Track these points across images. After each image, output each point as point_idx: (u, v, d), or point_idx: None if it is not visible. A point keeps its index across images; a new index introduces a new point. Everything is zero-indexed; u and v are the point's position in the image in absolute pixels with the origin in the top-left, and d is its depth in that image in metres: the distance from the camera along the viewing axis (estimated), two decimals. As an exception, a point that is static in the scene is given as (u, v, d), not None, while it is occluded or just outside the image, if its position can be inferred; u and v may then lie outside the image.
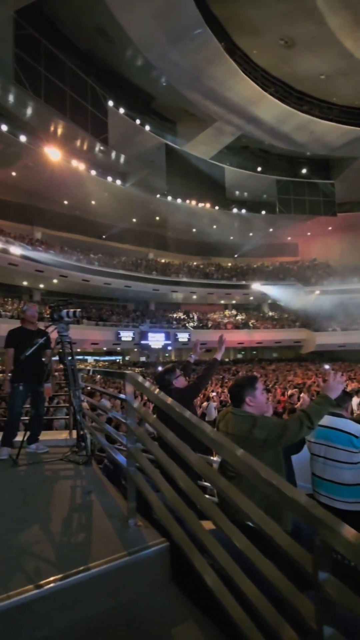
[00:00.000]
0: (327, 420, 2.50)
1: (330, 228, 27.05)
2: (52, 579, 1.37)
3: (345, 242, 28.12)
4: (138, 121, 16.70)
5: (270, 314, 28.55)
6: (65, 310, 3.02)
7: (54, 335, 3.08)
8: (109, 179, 19.78)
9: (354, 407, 9.80)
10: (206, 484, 3.06)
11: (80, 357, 24.05)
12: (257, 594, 1.02)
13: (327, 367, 20.03)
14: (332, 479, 2.32)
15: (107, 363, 24.15)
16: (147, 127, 17.14)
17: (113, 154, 18.45)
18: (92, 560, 1.48)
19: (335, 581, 0.79)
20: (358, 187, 23.14)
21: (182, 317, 26.24)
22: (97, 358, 25.23)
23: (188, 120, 18.30)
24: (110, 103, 15.28)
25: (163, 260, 27.63)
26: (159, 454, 1.56)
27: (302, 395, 9.98)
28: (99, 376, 11.89)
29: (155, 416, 1.91)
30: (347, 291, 25.35)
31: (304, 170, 22.18)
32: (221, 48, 13.53)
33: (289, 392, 8.78)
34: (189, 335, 23.73)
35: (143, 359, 25.03)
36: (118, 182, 20.36)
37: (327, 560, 0.79)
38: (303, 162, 22.08)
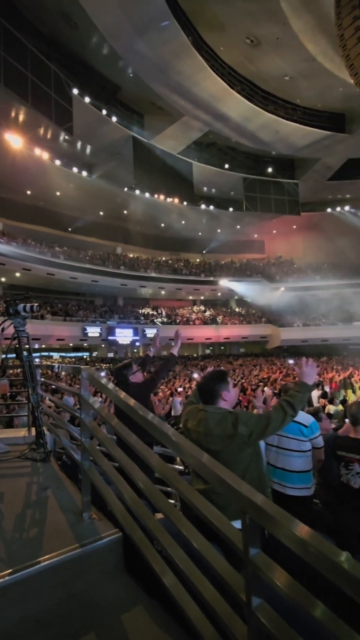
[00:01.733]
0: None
1: (294, 227, 28.02)
2: (0, 574, 1.37)
3: (308, 241, 29.28)
4: (104, 111, 16.31)
5: (238, 310, 29.18)
6: (22, 305, 2.92)
7: (10, 330, 2.97)
8: (75, 169, 19.21)
9: (314, 399, 10.30)
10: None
11: (46, 353, 23.35)
12: (200, 576, 1.07)
13: (290, 361, 20.86)
14: (284, 467, 2.45)
15: (73, 359, 23.61)
16: (114, 119, 16.79)
17: (78, 144, 17.92)
18: (43, 554, 1.49)
19: (264, 557, 0.86)
20: (320, 188, 24.11)
21: (150, 312, 26.17)
22: (63, 354, 24.61)
23: (156, 113, 18.14)
24: (75, 91, 14.80)
25: (131, 255, 27.35)
26: (112, 449, 1.58)
27: (265, 389, 10.34)
28: (63, 373, 11.61)
29: (116, 418, 1.91)
30: (309, 288, 26.50)
31: (269, 169, 22.74)
32: (188, 42, 13.48)
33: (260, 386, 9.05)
34: (158, 330, 23.70)
35: (111, 354, 24.75)
36: (84, 173, 19.83)
37: (256, 537, 0.86)
38: (268, 161, 22.64)
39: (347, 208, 25.98)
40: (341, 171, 22.58)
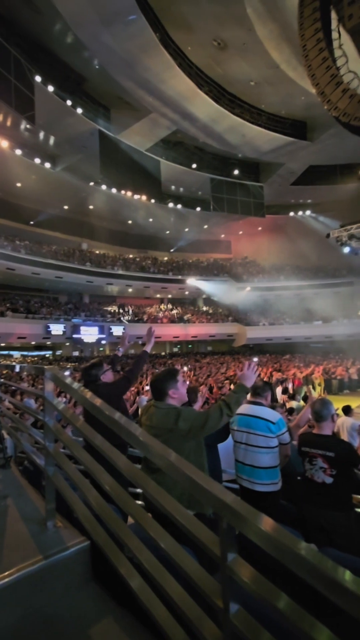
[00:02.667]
0: (248, 409, 2.66)
1: (259, 228, 28.80)
2: None
3: (273, 243, 30.23)
4: (69, 102, 15.76)
5: (205, 308, 29.51)
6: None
7: None
8: (37, 160, 18.40)
9: (278, 396, 10.65)
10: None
11: (5, 352, 22.26)
12: (172, 581, 1.04)
13: (255, 359, 21.46)
14: (252, 464, 2.49)
15: (36, 358, 22.68)
16: (79, 110, 16.28)
17: (41, 135, 17.19)
18: (1, 570, 1.38)
19: (241, 561, 0.84)
20: (284, 191, 24.95)
21: (117, 310, 25.77)
22: (25, 353, 23.56)
23: (123, 108, 17.83)
24: (38, 79, 14.15)
25: (98, 252, 26.75)
26: (77, 453, 1.51)
27: (231, 386, 10.52)
28: (25, 373, 11.09)
29: (82, 419, 1.85)
30: (273, 288, 27.42)
31: (236, 171, 23.17)
32: (156, 39, 13.36)
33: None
34: (124, 329, 23.44)
35: (76, 353, 24.08)
36: (47, 165, 19.05)
37: (233, 541, 0.84)
38: (235, 164, 23.06)
39: (308, 212, 27.12)
40: (303, 177, 23.52)
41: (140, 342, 19.13)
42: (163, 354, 26.41)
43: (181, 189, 24.10)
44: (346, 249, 14.34)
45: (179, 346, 29.61)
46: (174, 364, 20.23)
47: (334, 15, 8.36)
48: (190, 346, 29.65)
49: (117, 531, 1.28)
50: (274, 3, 12.44)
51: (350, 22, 6.68)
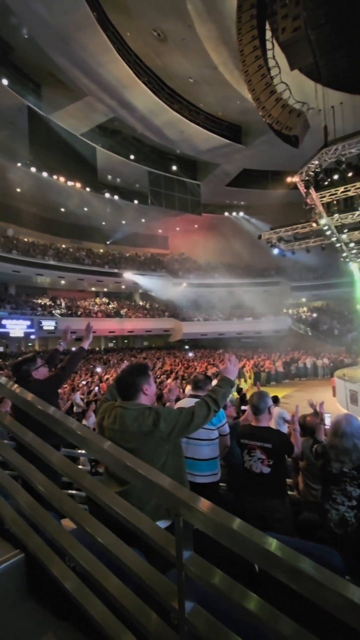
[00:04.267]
0: (189, 402, 2.69)
1: (196, 226, 29.43)
2: None
3: (208, 241, 31.16)
4: (-7, 72, 14.24)
5: (142, 303, 29.32)
6: None
7: None
8: None
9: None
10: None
11: None
12: (121, 587, 0.98)
13: (190, 354, 22.02)
14: (193, 456, 2.52)
15: None
16: (4, 81, 14.78)
17: None
18: None
19: (197, 558, 0.82)
20: (219, 192, 25.81)
21: (48, 303, 24.25)
22: None
23: (55, 86, 16.67)
24: None
25: (26, 239, 24.79)
26: (5, 454, 1.36)
27: (168, 381, 10.64)
28: None
29: (9, 416, 1.66)
30: (208, 285, 28.35)
31: (174, 167, 23.30)
32: (93, 17, 12.69)
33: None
34: (56, 323, 22.18)
35: (1, 349, 22.12)
36: (-34, 139, 17.03)
37: (189, 539, 0.82)
38: (173, 159, 23.16)
39: (241, 214, 28.50)
40: (237, 179, 24.60)
41: (74, 338, 18.27)
42: (98, 349, 25.62)
43: (118, 180, 23.46)
44: (275, 251, 15.38)
45: (114, 341, 29.02)
46: (109, 359, 19.77)
47: (268, 27, 8.81)
48: (126, 341, 29.26)
49: (56, 538, 1.18)
50: (213, 4, 12.66)
51: (283, 35, 7.09)
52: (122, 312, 26.18)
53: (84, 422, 5.69)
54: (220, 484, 2.79)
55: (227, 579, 0.79)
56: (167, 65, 16.46)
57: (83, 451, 3.12)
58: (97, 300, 27.63)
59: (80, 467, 3.73)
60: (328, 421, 3.15)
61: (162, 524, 1.38)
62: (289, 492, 2.77)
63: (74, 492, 3.26)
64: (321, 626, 0.92)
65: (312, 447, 2.43)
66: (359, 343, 22.66)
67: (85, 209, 24.07)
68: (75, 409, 6.87)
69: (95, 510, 1.64)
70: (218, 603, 0.90)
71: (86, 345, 2.76)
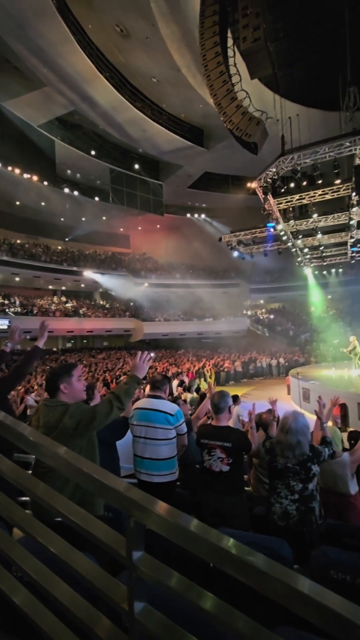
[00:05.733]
0: (147, 402, 2.68)
1: (158, 226, 29.40)
2: None
3: (170, 241, 31.27)
4: None
5: (102, 302, 28.71)
6: None
7: None
8: None
9: (173, 388, 11.09)
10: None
11: None
12: (71, 594, 0.95)
13: (152, 354, 21.94)
14: (151, 457, 2.51)
15: None
16: None
17: None
18: None
19: (148, 557, 0.82)
20: (182, 193, 26.02)
21: (0, 301, 22.92)
22: None
23: (11, 73, 15.80)
24: None
25: (-24, 233, 23.26)
26: None
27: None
28: None
29: None
30: (169, 285, 28.43)
31: (136, 166, 23.09)
32: (52, 5, 12.23)
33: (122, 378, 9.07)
34: (9, 322, 21.03)
35: None
36: None
37: (140, 539, 0.81)
38: (136, 158, 22.96)
39: (203, 216, 28.95)
40: (199, 181, 24.95)
41: (29, 337, 17.47)
42: (55, 349, 24.68)
43: (78, 175, 22.79)
44: (235, 253, 15.82)
45: (72, 341, 28.14)
46: (67, 360, 19.14)
47: (230, 35, 9.04)
48: (85, 341, 28.49)
49: (3, 549, 1.12)
50: (177, 5, 12.73)
51: (244, 44, 7.31)
52: (81, 311, 25.44)
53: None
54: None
55: (179, 578, 0.79)
56: (130, 62, 16.28)
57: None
58: (55, 298, 26.61)
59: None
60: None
61: None
62: (245, 488, 2.86)
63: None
64: (271, 616, 0.96)
65: (264, 443, 2.52)
66: (312, 343, 23.98)
67: (43, 203, 23.09)
68: (29, 411, 6.57)
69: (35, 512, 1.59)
70: (173, 602, 0.91)
71: (41, 344, 2.65)
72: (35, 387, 9.85)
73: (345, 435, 4.08)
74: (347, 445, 3.93)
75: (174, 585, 0.78)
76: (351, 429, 5.59)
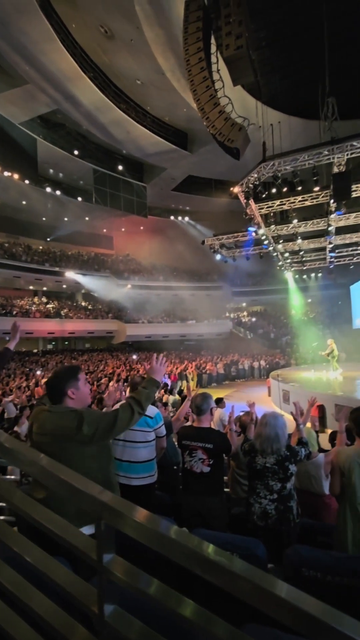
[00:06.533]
0: (127, 404, 2.68)
1: (142, 228, 29.34)
2: None
3: (154, 243, 31.25)
4: None
5: (84, 304, 28.37)
6: None
7: None
8: None
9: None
10: None
11: None
12: (41, 599, 0.95)
13: (134, 356, 21.82)
14: (130, 459, 2.51)
15: None
16: None
17: None
18: None
19: (119, 560, 0.82)
20: (165, 195, 26.07)
21: (-22, 302, 22.30)
22: None
23: (-8, 69, 15.49)
24: None
25: None
26: None
27: (110, 383, 10.42)
28: None
29: None
30: (153, 287, 28.40)
31: (120, 167, 22.99)
32: (35, 3, 12.07)
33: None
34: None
35: None
36: None
37: (111, 541, 0.81)
38: (119, 159, 22.86)
39: (187, 219, 29.10)
40: (183, 184, 25.08)
41: (7, 338, 17.02)
42: (35, 351, 24.19)
43: (61, 175, 22.48)
44: (218, 256, 15.96)
45: (53, 343, 27.64)
46: (48, 362, 18.79)
47: (213, 41, 9.15)
48: (66, 343, 28.04)
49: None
50: (162, 10, 12.81)
51: (227, 51, 7.40)
52: (63, 312, 25.05)
53: (16, 428, 5.34)
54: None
55: (150, 579, 0.80)
56: (114, 63, 16.24)
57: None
58: (36, 299, 26.10)
59: (9, 477, 3.50)
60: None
61: (89, 529, 1.36)
62: (225, 490, 2.90)
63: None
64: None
65: (242, 445, 2.57)
66: (292, 346, 24.45)
67: (24, 202, 22.65)
68: (6, 414, 6.41)
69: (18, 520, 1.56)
70: (147, 603, 0.91)
71: (12, 346, 2.57)
72: (14, 390, 9.61)
73: (323, 436, 4.19)
74: (325, 445, 4.04)
75: (144, 586, 0.79)
76: (329, 430, 5.74)
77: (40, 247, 27.11)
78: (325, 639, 0.63)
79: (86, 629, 0.88)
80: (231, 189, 12.11)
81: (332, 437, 4.11)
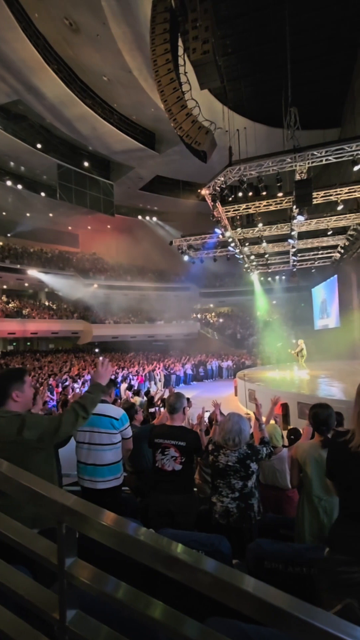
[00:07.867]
0: (94, 406, 2.63)
1: (109, 226, 28.87)
2: None
3: (121, 243, 30.87)
4: None
5: (48, 303, 27.41)
6: None
7: None
8: None
9: (122, 391, 10.92)
10: None
11: None
12: (6, 614, 0.91)
13: (101, 358, 21.43)
14: (95, 462, 2.47)
15: None
16: None
17: None
18: None
19: (81, 563, 0.81)
20: (133, 195, 25.83)
21: None
22: None
23: None
24: None
25: None
26: None
27: (75, 385, 10.17)
28: None
29: None
30: (120, 287, 28.04)
31: (86, 163, 22.45)
32: (-4, -12, 11.53)
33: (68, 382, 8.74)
34: None
35: None
36: None
37: (72, 545, 0.80)
38: (85, 155, 22.33)
39: (155, 219, 29.01)
40: (151, 184, 24.97)
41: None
42: (-5, 353, 23.01)
43: (22, 168, 21.56)
44: (185, 257, 16.08)
45: (14, 343, 26.45)
46: (8, 364, 17.94)
47: (180, 44, 9.21)
48: (29, 344, 26.94)
49: None
50: (128, 7, 12.69)
51: (194, 55, 7.48)
52: (25, 312, 24.04)
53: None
54: (123, 487, 2.78)
55: (116, 582, 0.80)
56: (80, 57, 15.85)
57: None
58: (-5, 298, 24.86)
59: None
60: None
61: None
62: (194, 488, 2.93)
63: None
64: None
65: (207, 445, 2.62)
66: (258, 346, 25.17)
67: (-18, 196, 21.51)
68: None
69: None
70: (109, 605, 0.90)
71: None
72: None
73: (286, 433, 4.36)
74: (287, 442, 4.20)
75: (110, 589, 0.78)
76: (291, 427, 5.97)
77: (0, 243, 25.86)
78: (284, 626, 0.66)
79: (47, 638, 0.86)
80: (199, 190, 12.25)
81: (293, 433, 4.30)
